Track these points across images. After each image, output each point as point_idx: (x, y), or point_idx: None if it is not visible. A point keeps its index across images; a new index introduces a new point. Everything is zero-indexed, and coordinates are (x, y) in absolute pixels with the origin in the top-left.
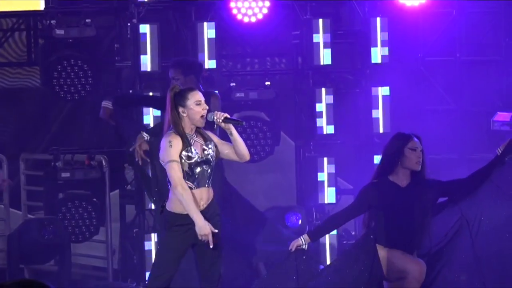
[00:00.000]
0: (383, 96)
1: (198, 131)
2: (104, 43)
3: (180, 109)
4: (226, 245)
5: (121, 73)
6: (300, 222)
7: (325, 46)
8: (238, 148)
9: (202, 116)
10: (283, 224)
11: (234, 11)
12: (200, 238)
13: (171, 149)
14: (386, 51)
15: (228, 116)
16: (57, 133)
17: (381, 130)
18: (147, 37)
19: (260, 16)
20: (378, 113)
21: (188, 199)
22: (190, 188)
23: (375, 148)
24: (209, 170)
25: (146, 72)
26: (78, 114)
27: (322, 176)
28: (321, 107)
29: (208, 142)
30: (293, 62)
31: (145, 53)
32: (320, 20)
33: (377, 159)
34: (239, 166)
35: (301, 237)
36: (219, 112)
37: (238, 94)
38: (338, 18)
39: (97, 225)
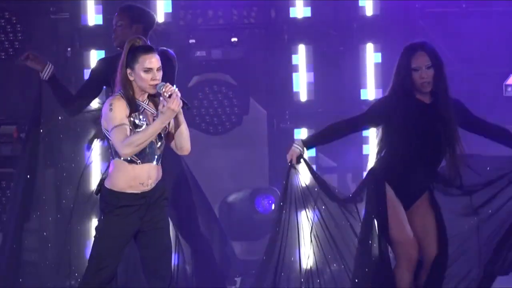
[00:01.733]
0: (374, 55)
1: (152, 98)
2: None
3: (128, 70)
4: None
5: (58, 27)
6: (273, 207)
7: None
8: (178, 136)
9: (150, 86)
10: (252, 209)
11: None
12: (172, 107)
13: (113, 114)
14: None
15: (178, 94)
16: None
17: (370, 97)
18: None
19: None
20: (366, 76)
21: (139, 136)
22: (133, 162)
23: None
24: (158, 145)
25: (87, 26)
26: (5, 77)
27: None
28: (298, 68)
29: (157, 114)
30: (265, 14)
31: (87, 3)
32: None
33: (365, 132)
34: (199, 140)
35: (295, 144)
36: (169, 85)
37: (198, 53)
38: None
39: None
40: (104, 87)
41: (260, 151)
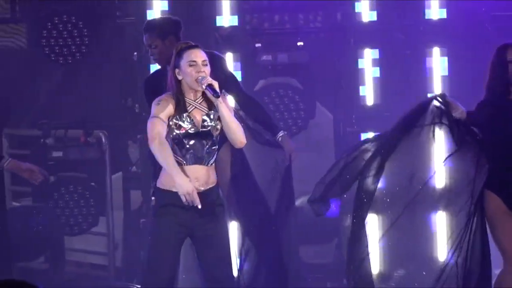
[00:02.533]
0: (440, 59)
1: (206, 96)
2: None
3: (176, 70)
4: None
5: (124, 31)
6: (339, 211)
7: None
8: (226, 128)
9: (196, 80)
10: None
11: None
12: (183, 200)
13: (157, 107)
14: (443, 4)
15: (213, 84)
16: (47, 103)
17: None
18: None
19: None
20: (433, 79)
21: (165, 153)
22: (179, 164)
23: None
24: (208, 145)
25: None
26: (72, 81)
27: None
28: (364, 72)
29: (212, 112)
30: (331, 17)
31: (152, 7)
32: None
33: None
34: None
35: None
36: (208, 77)
37: (264, 57)
38: None
39: (96, 215)
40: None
41: (326, 155)
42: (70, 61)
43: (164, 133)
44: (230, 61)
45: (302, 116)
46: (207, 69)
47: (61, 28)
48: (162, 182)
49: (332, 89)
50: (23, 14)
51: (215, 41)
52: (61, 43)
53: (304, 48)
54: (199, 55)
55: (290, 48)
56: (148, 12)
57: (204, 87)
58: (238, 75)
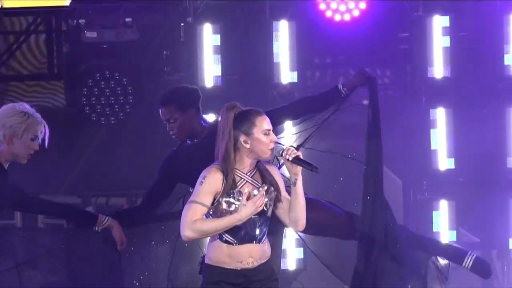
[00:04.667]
0: None
1: (259, 167)
2: (149, 49)
3: (242, 138)
4: None
5: None
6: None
7: (443, 53)
8: (294, 208)
9: (271, 149)
10: None
11: (322, 7)
12: (257, 204)
13: (201, 187)
14: None
15: (301, 156)
16: (87, 168)
17: None
18: (206, 41)
19: (356, 13)
20: None
21: (205, 227)
22: (229, 243)
23: (510, 188)
24: (260, 222)
25: (204, 87)
26: (115, 144)
27: (438, 225)
28: (437, 133)
29: (266, 186)
30: (401, 74)
31: (202, 60)
32: (437, 18)
33: None
34: None
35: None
36: (291, 147)
37: None
38: (459, 16)
39: None
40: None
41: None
42: (113, 122)
43: (200, 218)
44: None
45: None
46: (276, 138)
47: (103, 86)
48: (211, 258)
49: (402, 153)
50: (62, 69)
51: (272, 99)
52: (103, 102)
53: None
54: (269, 123)
55: (355, 107)
56: (200, 67)
57: (290, 158)
58: None
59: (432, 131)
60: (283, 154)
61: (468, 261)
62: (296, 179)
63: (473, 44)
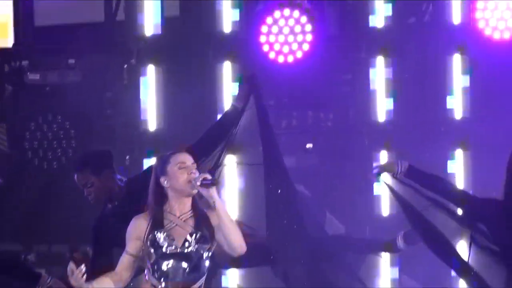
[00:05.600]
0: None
1: (197, 213)
2: (92, 91)
3: (162, 179)
4: None
5: (115, 132)
6: None
7: (386, 96)
8: (224, 232)
9: (189, 182)
10: None
11: (265, 48)
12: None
13: (126, 236)
14: (466, 99)
15: (206, 176)
16: (29, 214)
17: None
18: (149, 83)
19: (299, 55)
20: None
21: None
22: (154, 286)
23: None
24: (188, 270)
25: (147, 131)
26: (57, 189)
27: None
28: (380, 178)
29: (197, 232)
30: (344, 117)
31: (147, 105)
32: (380, 60)
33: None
34: None
35: (400, 161)
36: (201, 175)
37: None
38: (402, 58)
39: None
40: None
41: None
42: (55, 166)
43: (124, 267)
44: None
45: None
46: (194, 170)
47: (45, 128)
48: None
49: (345, 198)
50: (4, 112)
51: None
52: (45, 145)
53: (313, 150)
54: (188, 158)
55: (297, 150)
56: (143, 110)
57: (198, 184)
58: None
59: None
60: (193, 183)
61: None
62: (214, 202)
63: (416, 86)
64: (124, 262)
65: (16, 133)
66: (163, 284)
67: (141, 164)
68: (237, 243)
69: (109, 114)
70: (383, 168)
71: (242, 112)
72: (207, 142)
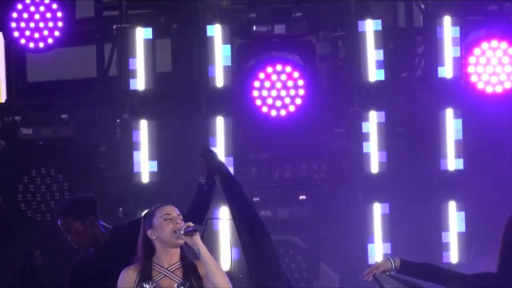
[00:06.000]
0: (457, 214)
1: (185, 263)
2: (85, 145)
3: (148, 232)
4: None
5: (109, 185)
6: None
7: (379, 149)
8: (210, 277)
9: (175, 232)
10: None
11: (258, 102)
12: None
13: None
14: (460, 164)
15: (189, 225)
16: (22, 267)
17: (453, 260)
18: (142, 138)
19: (292, 109)
20: (449, 238)
21: None
22: None
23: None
24: None
25: (141, 184)
26: (53, 243)
27: None
28: (373, 228)
29: (185, 283)
30: (337, 169)
31: (140, 159)
32: (373, 114)
33: None
34: None
35: (390, 258)
36: (184, 224)
37: (263, 212)
38: (395, 111)
39: None
40: None
41: None
42: (48, 219)
43: None
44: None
45: (305, 277)
46: (179, 220)
47: (39, 182)
48: None
49: (338, 248)
50: None
51: None
52: (39, 199)
53: (307, 202)
54: (173, 209)
55: (291, 203)
56: (136, 164)
57: (182, 232)
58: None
59: (368, 226)
60: (178, 233)
61: None
62: (198, 249)
63: (409, 139)
64: None
65: (9, 186)
66: None
67: (135, 216)
68: (221, 281)
69: (102, 167)
70: (377, 268)
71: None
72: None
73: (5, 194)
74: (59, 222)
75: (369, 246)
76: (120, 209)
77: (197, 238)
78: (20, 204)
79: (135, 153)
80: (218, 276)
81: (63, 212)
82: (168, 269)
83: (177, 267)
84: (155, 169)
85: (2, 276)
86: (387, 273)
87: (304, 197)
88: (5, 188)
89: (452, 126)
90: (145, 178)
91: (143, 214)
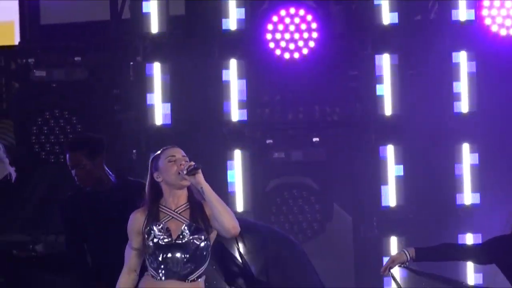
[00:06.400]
0: (470, 156)
1: (193, 205)
2: (99, 88)
3: (155, 175)
4: None
5: (121, 127)
6: None
7: (392, 91)
8: (215, 214)
9: (179, 174)
10: None
11: (271, 45)
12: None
13: (128, 229)
14: (472, 95)
15: (190, 165)
16: (37, 206)
17: (466, 201)
18: (155, 80)
19: (305, 52)
20: (463, 179)
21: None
22: (154, 278)
23: (460, 224)
24: (184, 260)
25: (154, 126)
26: (64, 181)
27: None
28: (386, 170)
29: (190, 224)
30: (350, 111)
31: (153, 101)
32: (386, 57)
33: (463, 238)
34: None
35: (405, 249)
36: (187, 164)
37: (277, 155)
38: (408, 54)
39: None
40: None
41: (345, 262)
42: (62, 160)
43: (135, 263)
44: (238, 159)
45: (318, 219)
46: (184, 161)
47: (52, 124)
48: None
49: (351, 190)
50: (10, 109)
51: (223, 138)
52: (52, 140)
53: (320, 145)
54: (178, 151)
55: (304, 145)
56: (149, 106)
57: (185, 172)
58: (248, 175)
59: (382, 168)
60: (181, 174)
61: None
62: (202, 187)
63: (422, 82)
64: (132, 257)
65: (23, 128)
66: (161, 275)
67: (148, 158)
68: (229, 224)
69: (115, 109)
70: (393, 262)
71: None
72: None
73: (19, 136)
74: (68, 155)
75: (383, 187)
76: (134, 151)
77: (199, 176)
78: (33, 146)
79: (148, 96)
80: (223, 213)
81: (75, 147)
82: (175, 211)
83: (184, 208)
84: (168, 112)
85: (15, 218)
86: (403, 265)
87: (317, 139)
88: (19, 130)
89: (465, 68)
90: (158, 120)
91: (151, 158)
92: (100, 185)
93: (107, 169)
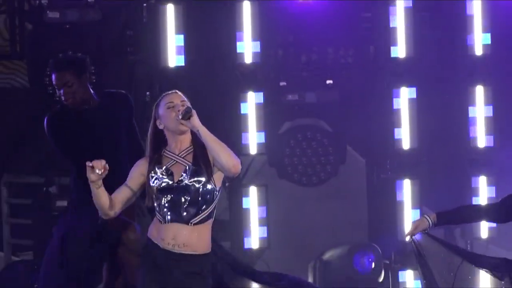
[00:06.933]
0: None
1: (196, 148)
2: (112, 29)
3: (157, 121)
4: None
5: (135, 69)
6: (373, 265)
7: (406, 34)
8: (214, 155)
9: (177, 121)
10: (351, 268)
11: None
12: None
13: (130, 173)
14: (487, 39)
15: (184, 109)
16: (50, 148)
17: (481, 144)
18: (169, 21)
19: None
20: (476, 120)
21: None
22: (160, 221)
23: (473, 168)
24: (187, 203)
25: (167, 68)
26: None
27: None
28: (400, 113)
29: (190, 167)
30: (364, 53)
31: (167, 43)
32: (399, 2)
33: (476, 181)
34: (292, 192)
35: (426, 216)
36: (181, 109)
37: (290, 97)
38: None
39: None
40: None
41: (358, 204)
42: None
43: (120, 198)
44: (251, 101)
45: (332, 161)
46: (180, 105)
47: None
48: (149, 230)
49: (365, 132)
50: (24, 49)
51: (236, 79)
52: None
53: (334, 87)
54: (176, 97)
55: (318, 87)
56: (163, 48)
57: (180, 117)
58: (261, 117)
59: (395, 110)
60: (177, 119)
61: None
62: (198, 130)
63: (435, 24)
64: (121, 193)
65: (36, 70)
66: (166, 218)
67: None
68: (229, 162)
69: (129, 51)
70: (416, 229)
71: None
72: None
73: (33, 77)
74: (54, 75)
75: (396, 130)
76: (147, 93)
77: (194, 119)
78: (47, 88)
79: (162, 37)
80: (221, 153)
81: (62, 65)
82: (179, 155)
83: (188, 152)
84: (182, 53)
85: (33, 153)
86: (425, 231)
87: (331, 81)
88: (32, 71)
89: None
90: (172, 62)
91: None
92: (86, 103)
93: (91, 88)
